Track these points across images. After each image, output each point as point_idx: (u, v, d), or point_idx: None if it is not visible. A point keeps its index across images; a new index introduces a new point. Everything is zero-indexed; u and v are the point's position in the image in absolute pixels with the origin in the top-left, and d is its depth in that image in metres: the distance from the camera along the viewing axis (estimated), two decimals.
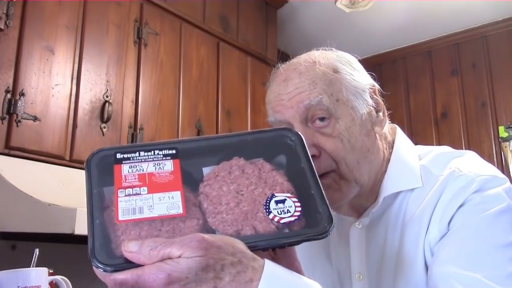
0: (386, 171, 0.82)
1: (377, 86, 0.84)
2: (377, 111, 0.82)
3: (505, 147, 2.84)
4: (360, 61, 0.86)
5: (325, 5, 2.75)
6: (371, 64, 3.49)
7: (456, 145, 3.01)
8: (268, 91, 0.83)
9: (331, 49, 0.84)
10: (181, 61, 2.06)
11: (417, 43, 3.28)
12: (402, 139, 0.87)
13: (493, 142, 2.90)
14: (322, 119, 0.76)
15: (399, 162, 0.82)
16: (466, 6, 2.82)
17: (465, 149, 2.93)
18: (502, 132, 2.87)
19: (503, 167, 2.83)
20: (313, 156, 0.73)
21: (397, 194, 0.81)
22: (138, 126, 1.82)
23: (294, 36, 3.14)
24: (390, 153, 0.84)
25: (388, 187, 0.80)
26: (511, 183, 0.78)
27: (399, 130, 0.88)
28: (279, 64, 0.83)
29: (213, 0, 2.33)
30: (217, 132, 2.17)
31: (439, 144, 3.06)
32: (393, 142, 0.86)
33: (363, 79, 0.82)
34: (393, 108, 3.33)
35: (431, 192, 0.77)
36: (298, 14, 2.90)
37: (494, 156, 2.88)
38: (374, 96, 0.82)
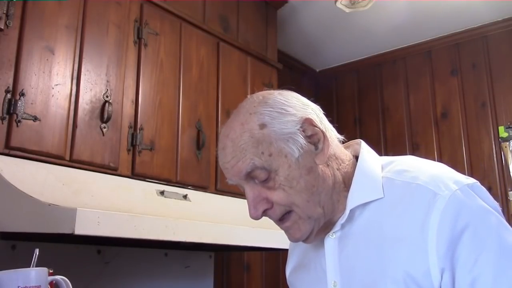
0: (347, 187, 0.88)
1: (311, 116, 0.86)
2: (316, 143, 0.85)
3: (505, 147, 2.84)
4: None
5: (325, 5, 2.75)
6: (371, 64, 3.49)
7: (456, 145, 3.03)
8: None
9: (266, 91, 0.90)
10: (181, 61, 2.06)
11: (417, 43, 3.28)
12: (366, 153, 0.92)
13: (493, 142, 2.90)
14: (261, 177, 0.83)
15: (363, 175, 0.88)
16: (466, 6, 2.82)
17: (465, 149, 2.96)
18: (502, 132, 2.87)
19: (503, 167, 2.83)
20: (266, 209, 0.85)
21: (364, 205, 0.86)
22: (138, 126, 1.82)
23: (294, 36, 3.14)
24: (353, 168, 0.90)
25: (353, 199, 0.87)
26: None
27: (363, 144, 0.94)
28: (224, 125, 0.89)
29: (213, 0, 2.33)
30: (217, 133, 2.17)
31: (439, 144, 3.06)
32: (356, 157, 0.92)
33: (292, 120, 0.85)
34: (393, 108, 3.34)
35: (401, 206, 0.82)
36: (298, 14, 2.90)
37: (494, 156, 2.88)
38: (311, 126, 0.85)
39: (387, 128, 3.33)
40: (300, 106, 0.87)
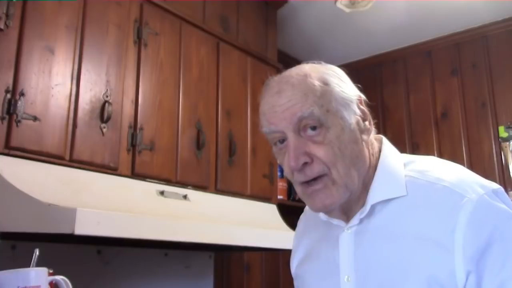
0: (373, 177, 0.88)
1: (363, 97, 0.90)
2: (364, 120, 0.88)
3: (505, 147, 2.84)
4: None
5: (325, 5, 2.75)
6: (371, 64, 3.49)
7: (456, 145, 3.03)
8: (261, 102, 0.87)
9: (320, 63, 0.91)
10: (181, 61, 2.06)
11: (417, 43, 3.27)
12: (388, 148, 0.92)
13: (493, 142, 2.90)
14: (313, 128, 0.82)
15: (385, 171, 0.88)
16: (466, 6, 2.82)
17: (465, 149, 2.95)
18: (502, 132, 2.87)
19: (503, 167, 2.83)
20: (305, 163, 0.82)
21: (386, 202, 0.86)
22: (138, 126, 1.82)
23: (294, 36, 3.14)
24: (377, 160, 0.90)
25: (375, 195, 0.86)
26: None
27: (385, 140, 0.94)
28: (271, 77, 0.88)
29: (213, 0, 2.33)
30: (217, 133, 2.17)
31: (439, 144, 3.06)
32: (380, 151, 0.91)
33: (350, 91, 0.87)
34: (393, 108, 3.34)
35: (424, 206, 0.82)
36: (298, 14, 2.90)
37: (494, 156, 2.88)
38: (361, 106, 0.89)
39: (387, 128, 3.33)
40: (353, 86, 0.90)
